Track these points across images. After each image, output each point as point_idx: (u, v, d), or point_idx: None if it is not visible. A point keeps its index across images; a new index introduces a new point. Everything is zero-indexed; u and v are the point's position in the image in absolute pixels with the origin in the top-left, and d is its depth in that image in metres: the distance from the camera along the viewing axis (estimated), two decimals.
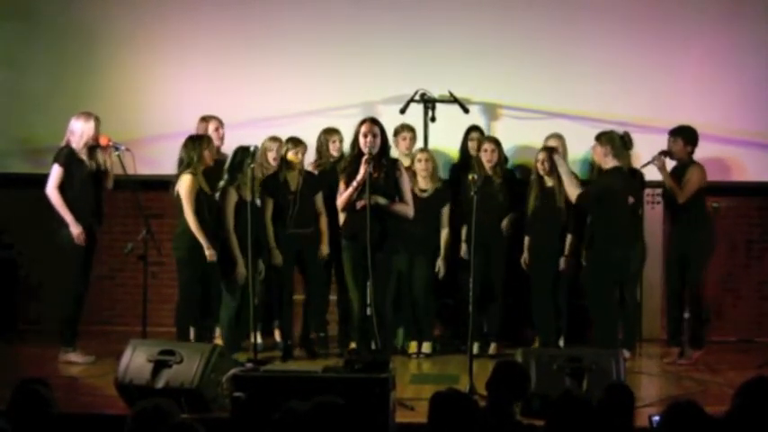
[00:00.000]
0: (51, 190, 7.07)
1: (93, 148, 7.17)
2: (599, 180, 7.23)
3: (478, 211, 6.45)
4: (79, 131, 7.11)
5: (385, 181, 6.58)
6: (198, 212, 6.85)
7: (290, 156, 7.32)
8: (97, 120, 7.15)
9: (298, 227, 7.32)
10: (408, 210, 6.70)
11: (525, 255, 7.51)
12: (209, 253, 6.84)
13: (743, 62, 8.06)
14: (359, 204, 6.52)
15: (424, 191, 7.43)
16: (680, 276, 7.38)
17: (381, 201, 6.53)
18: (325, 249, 7.39)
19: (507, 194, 7.51)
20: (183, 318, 7.08)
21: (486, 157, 7.48)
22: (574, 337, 7.63)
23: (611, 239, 7.05)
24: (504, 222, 7.46)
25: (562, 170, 7.21)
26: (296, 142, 7.36)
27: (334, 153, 7.54)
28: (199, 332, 7.13)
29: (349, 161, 6.70)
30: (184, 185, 6.85)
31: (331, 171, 7.36)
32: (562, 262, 7.43)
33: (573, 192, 7.12)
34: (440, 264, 7.54)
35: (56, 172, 7.08)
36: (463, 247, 7.49)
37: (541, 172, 7.42)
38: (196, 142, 6.97)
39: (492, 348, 7.54)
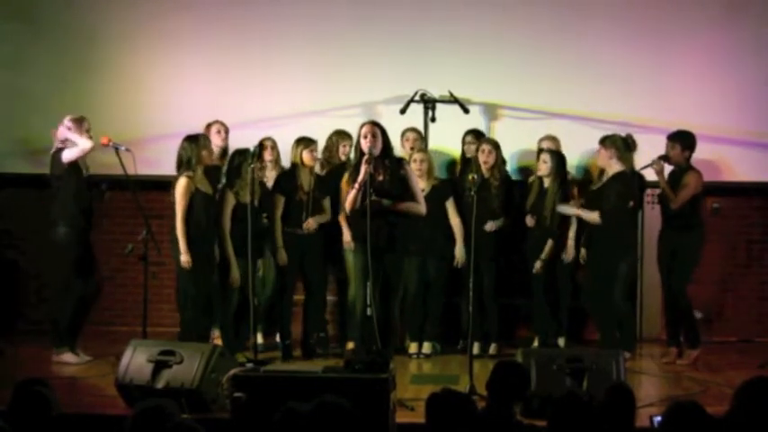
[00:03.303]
0: (88, 142, 7.09)
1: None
2: (610, 188, 7.20)
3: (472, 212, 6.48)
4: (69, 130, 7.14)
5: (390, 182, 6.58)
6: (192, 215, 6.85)
7: (306, 156, 7.32)
8: (84, 120, 7.16)
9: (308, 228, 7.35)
10: (419, 207, 6.69)
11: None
12: (183, 258, 6.82)
13: (743, 62, 8.06)
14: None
15: (422, 190, 7.42)
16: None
17: (386, 202, 6.53)
18: (312, 224, 7.34)
19: (503, 199, 7.50)
20: (194, 327, 6.97)
21: (483, 158, 7.47)
22: (574, 337, 7.64)
23: (614, 240, 7.10)
24: (489, 225, 7.43)
25: (573, 213, 7.26)
26: (308, 142, 7.37)
27: (343, 157, 7.56)
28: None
29: (353, 165, 6.71)
30: (179, 188, 6.86)
31: (337, 173, 7.36)
32: (538, 265, 7.42)
33: (594, 217, 7.17)
34: (458, 252, 7.47)
35: (70, 151, 7.10)
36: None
37: (540, 173, 7.42)
38: (193, 142, 6.97)
39: (492, 349, 7.54)
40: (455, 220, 7.51)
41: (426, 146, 7.85)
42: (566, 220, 7.44)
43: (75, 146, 7.11)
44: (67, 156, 7.11)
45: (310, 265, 7.44)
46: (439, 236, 7.49)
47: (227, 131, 7.64)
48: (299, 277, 7.52)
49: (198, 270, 6.87)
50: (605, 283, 7.20)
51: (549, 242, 7.42)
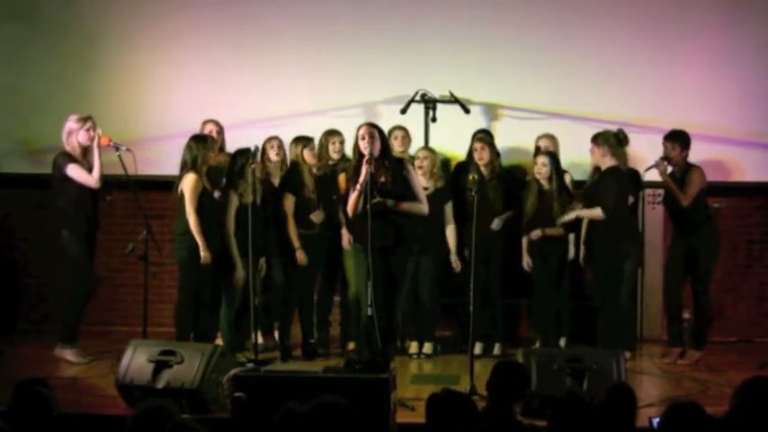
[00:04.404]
0: (95, 182, 7.10)
1: (85, 149, 7.19)
2: (606, 183, 7.19)
3: (477, 212, 6.49)
4: (69, 129, 7.14)
5: (393, 183, 6.58)
6: (200, 213, 6.86)
7: (307, 154, 7.33)
8: (89, 120, 7.16)
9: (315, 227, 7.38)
10: (421, 207, 6.69)
11: (527, 258, 7.50)
12: (204, 255, 6.83)
13: (743, 62, 8.06)
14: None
15: (425, 189, 7.41)
16: (683, 278, 7.38)
17: (389, 203, 6.53)
18: (320, 216, 7.37)
19: (503, 195, 7.51)
20: (182, 319, 7.04)
21: (478, 156, 7.49)
22: (575, 338, 7.63)
23: (617, 239, 7.10)
24: (495, 222, 7.45)
25: (575, 216, 7.26)
26: (307, 141, 7.38)
27: (334, 155, 7.54)
28: (202, 333, 7.10)
29: (353, 167, 6.69)
30: (189, 184, 6.85)
31: (331, 173, 7.36)
32: (538, 232, 7.37)
33: (597, 213, 7.15)
34: (454, 258, 7.51)
35: (75, 169, 7.10)
36: (466, 250, 7.48)
37: (538, 176, 7.43)
38: (200, 143, 6.97)
39: (496, 349, 7.54)
40: (449, 227, 7.53)
41: (427, 146, 7.86)
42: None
43: (81, 162, 7.16)
44: (71, 173, 7.12)
45: (317, 266, 7.45)
46: (434, 236, 7.48)
47: (219, 132, 7.62)
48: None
49: (194, 265, 6.87)
50: (610, 281, 7.19)
51: (560, 229, 7.42)
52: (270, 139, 7.49)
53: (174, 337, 7.04)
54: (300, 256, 7.28)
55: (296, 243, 7.28)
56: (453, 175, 7.85)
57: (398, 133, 7.71)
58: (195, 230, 6.83)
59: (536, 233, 7.40)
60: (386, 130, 6.96)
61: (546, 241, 7.44)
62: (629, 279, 7.33)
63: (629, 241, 7.30)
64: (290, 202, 7.31)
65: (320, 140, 7.56)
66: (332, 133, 7.58)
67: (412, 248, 6.83)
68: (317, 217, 7.35)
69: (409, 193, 6.63)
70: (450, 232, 7.55)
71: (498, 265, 7.51)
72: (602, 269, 7.27)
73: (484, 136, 7.74)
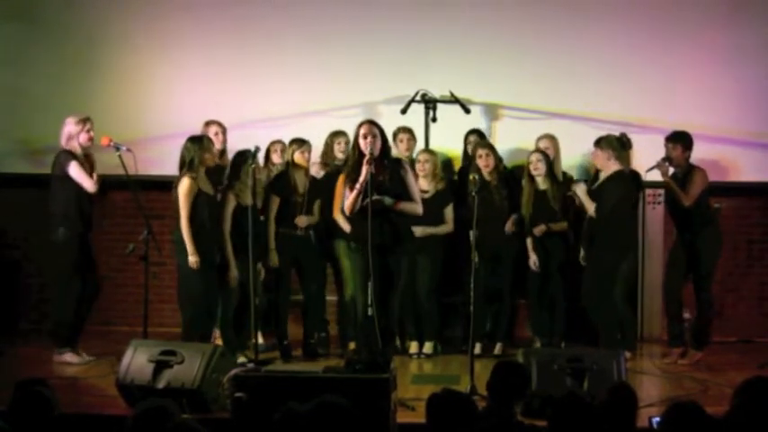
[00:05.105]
0: (93, 186, 7.11)
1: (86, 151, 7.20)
2: (608, 189, 7.17)
3: (481, 216, 6.47)
4: (68, 133, 7.14)
5: (390, 182, 6.57)
6: (196, 216, 6.83)
7: (297, 157, 7.34)
8: (87, 121, 7.16)
9: (305, 228, 7.36)
10: (416, 207, 6.69)
11: (533, 257, 7.50)
12: (192, 259, 6.79)
13: (743, 62, 8.07)
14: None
15: (425, 192, 7.40)
16: (684, 277, 7.38)
17: (387, 201, 6.53)
18: (304, 221, 7.35)
19: (507, 197, 7.51)
20: (192, 335, 6.84)
21: (483, 163, 7.47)
22: (575, 338, 7.63)
23: (615, 240, 7.09)
24: (508, 224, 7.47)
25: (582, 198, 7.23)
26: (300, 143, 7.39)
27: (339, 155, 7.54)
28: (201, 333, 7.08)
29: (351, 165, 6.68)
30: (182, 189, 6.83)
31: (336, 174, 7.35)
32: (542, 227, 7.38)
33: (590, 208, 7.15)
34: (420, 229, 7.33)
35: (77, 169, 7.10)
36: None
37: (533, 173, 7.43)
38: (196, 143, 6.95)
39: (497, 349, 7.54)
40: (445, 226, 7.52)
41: (427, 146, 7.86)
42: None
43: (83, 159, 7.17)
44: (72, 172, 7.11)
45: (307, 266, 7.45)
46: (433, 236, 7.47)
47: (224, 132, 7.62)
48: (298, 278, 7.52)
49: (202, 270, 6.85)
50: (606, 283, 7.19)
51: (564, 224, 7.44)
52: (274, 143, 7.50)
53: (174, 337, 7.02)
54: (273, 257, 7.28)
55: (271, 244, 7.28)
56: (459, 182, 7.84)
57: (404, 136, 7.71)
58: (186, 236, 6.79)
59: (539, 229, 7.41)
60: (386, 130, 6.94)
61: (549, 237, 7.44)
62: (623, 278, 7.32)
63: (625, 241, 7.30)
64: (274, 205, 7.31)
65: (326, 141, 7.59)
66: (337, 134, 7.59)
67: (410, 247, 6.83)
68: (301, 221, 7.34)
69: (406, 193, 6.64)
70: (443, 229, 7.51)
71: (510, 267, 7.52)
72: (598, 268, 7.25)
73: (483, 141, 7.73)
